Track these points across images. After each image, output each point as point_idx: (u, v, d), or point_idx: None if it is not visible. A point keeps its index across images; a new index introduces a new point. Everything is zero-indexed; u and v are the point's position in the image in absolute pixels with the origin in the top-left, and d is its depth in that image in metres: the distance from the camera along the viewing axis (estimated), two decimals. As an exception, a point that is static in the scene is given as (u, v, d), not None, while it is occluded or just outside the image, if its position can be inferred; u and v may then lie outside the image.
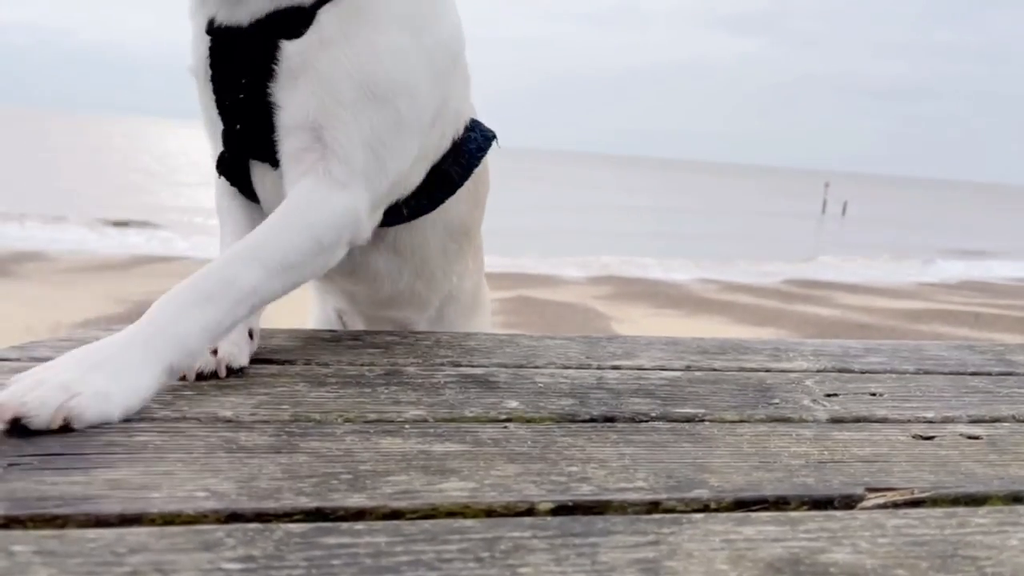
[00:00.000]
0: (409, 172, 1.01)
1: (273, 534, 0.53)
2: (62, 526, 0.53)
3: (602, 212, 24.53)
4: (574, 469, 0.67)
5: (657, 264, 12.57)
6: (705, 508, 0.61)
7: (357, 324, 1.27)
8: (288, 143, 0.92)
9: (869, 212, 33.49)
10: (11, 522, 0.53)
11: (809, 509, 0.62)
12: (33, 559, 0.48)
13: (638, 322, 7.45)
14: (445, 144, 1.07)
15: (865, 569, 0.53)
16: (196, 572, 0.48)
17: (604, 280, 10.40)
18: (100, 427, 0.70)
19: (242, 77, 0.92)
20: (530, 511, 0.59)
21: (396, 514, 0.57)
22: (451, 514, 0.58)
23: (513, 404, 0.83)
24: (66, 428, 0.68)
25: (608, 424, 0.79)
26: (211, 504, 0.56)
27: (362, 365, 0.95)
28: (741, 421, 0.83)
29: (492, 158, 1.17)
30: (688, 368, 1.02)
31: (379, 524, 0.55)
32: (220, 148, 1.00)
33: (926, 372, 1.07)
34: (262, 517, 0.55)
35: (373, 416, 0.77)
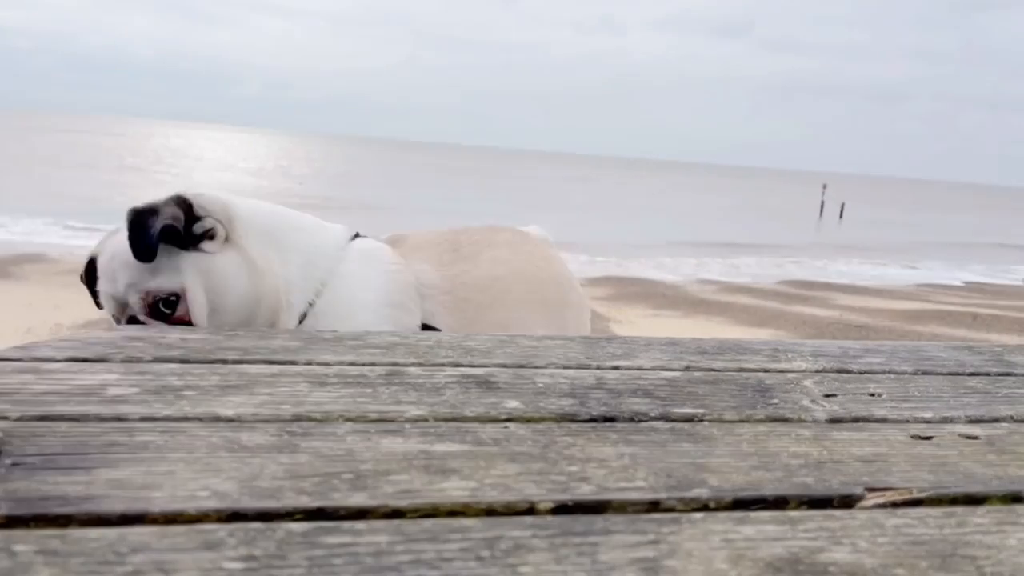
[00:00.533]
0: None
1: (275, 533, 0.53)
2: (64, 526, 0.53)
3: (601, 213, 24.54)
4: (574, 469, 0.67)
5: (656, 265, 12.57)
6: (705, 508, 0.62)
7: None
8: None
9: (866, 213, 33.50)
10: (13, 522, 0.53)
11: (808, 509, 0.63)
12: (35, 559, 0.48)
13: (637, 323, 7.45)
14: None
15: (864, 569, 0.53)
16: (198, 571, 0.48)
17: (603, 281, 10.39)
18: (102, 427, 0.70)
19: None
20: (530, 510, 0.59)
21: (397, 513, 0.57)
22: (452, 513, 0.58)
23: (513, 404, 0.84)
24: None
25: (608, 424, 0.79)
26: (213, 503, 0.57)
27: (363, 365, 0.95)
28: (740, 421, 0.83)
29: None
30: (687, 368, 1.02)
31: (380, 523, 0.55)
32: None
33: (924, 372, 1.07)
34: (264, 516, 0.56)
35: (374, 416, 0.78)
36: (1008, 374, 1.09)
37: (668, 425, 0.80)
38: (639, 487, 0.64)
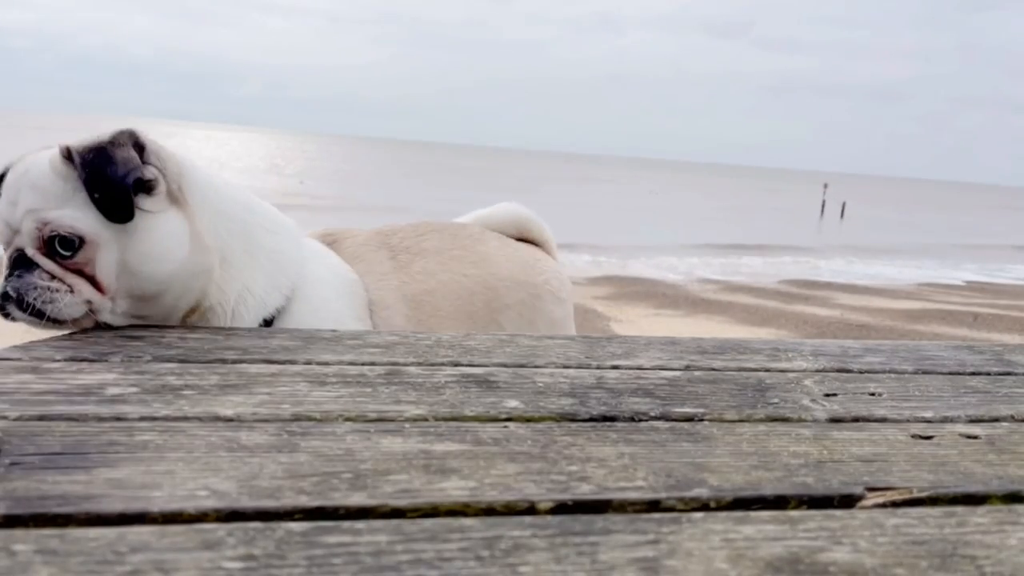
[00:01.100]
0: None
1: (274, 533, 0.53)
2: (63, 525, 0.53)
3: (601, 212, 24.53)
4: (574, 468, 0.67)
5: (656, 264, 12.57)
6: (705, 507, 0.62)
7: None
8: None
9: (867, 213, 33.50)
10: (12, 521, 0.53)
11: (808, 508, 0.63)
12: (34, 558, 0.48)
13: (637, 322, 7.45)
14: None
15: (864, 568, 0.53)
16: (197, 571, 0.48)
17: (603, 280, 10.39)
18: (101, 426, 0.70)
19: None
20: (530, 510, 0.59)
21: (397, 513, 0.57)
22: (451, 513, 0.58)
23: (513, 403, 0.84)
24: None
25: (608, 424, 0.79)
26: (212, 503, 0.56)
27: (363, 365, 0.95)
28: (740, 421, 0.83)
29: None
30: (687, 368, 1.02)
31: (380, 523, 0.55)
32: None
33: (925, 372, 1.07)
34: (263, 516, 0.56)
35: (374, 415, 0.78)
36: (1008, 373, 1.09)
37: (668, 425, 0.80)
38: (639, 487, 0.64)
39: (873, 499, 0.65)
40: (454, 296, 1.35)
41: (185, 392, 0.81)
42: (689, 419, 0.82)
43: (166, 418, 0.74)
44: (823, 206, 31.21)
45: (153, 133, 1.12)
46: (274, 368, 0.92)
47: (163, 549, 0.50)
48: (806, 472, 0.69)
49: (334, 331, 1.14)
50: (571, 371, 0.98)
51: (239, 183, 1.26)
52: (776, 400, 0.90)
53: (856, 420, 0.85)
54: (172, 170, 1.09)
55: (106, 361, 0.91)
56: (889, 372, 1.06)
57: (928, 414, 0.88)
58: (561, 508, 0.60)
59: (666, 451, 0.72)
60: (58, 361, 0.90)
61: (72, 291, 1.02)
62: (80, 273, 1.03)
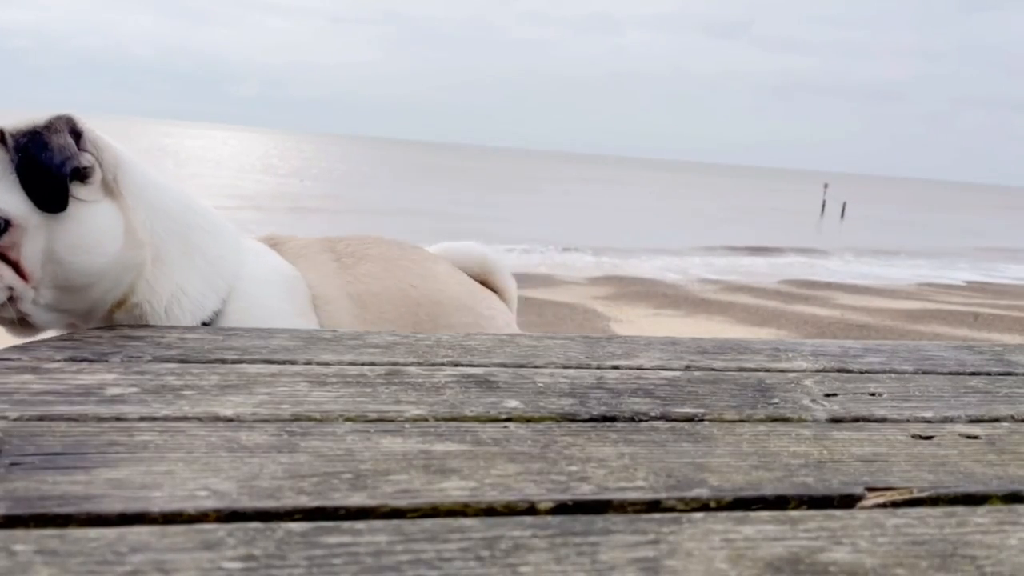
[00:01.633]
0: None
1: (274, 533, 0.53)
2: (63, 525, 0.53)
3: (601, 212, 24.54)
4: (574, 468, 0.67)
5: (657, 264, 12.58)
6: (705, 507, 0.62)
7: None
8: None
9: (868, 213, 33.50)
10: (12, 521, 0.53)
11: (809, 508, 0.63)
12: (34, 558, 0.48)
13: (637, 322, 7.46)
14: None
15: (865, 568, 0.53)
16: (197, 571, 0.48)
17: (603, 280, 10.40)
18: (101, 426, 0.70)
19: None
20: (530, 510, 0.59)
21: (397, 513, 0.57)
22: (451, 513, 0.58)
23: (513, 404, 0.83)
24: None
25: (608, 424, 0.79)
26: (212, 503, 0.56)
27: (363, 365, 0.95)
28: (740, 421, 0.83)
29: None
30: (687, 368, 1.02)
31: (380, 523, 0.55)
32: None
33: (925, 372, 1.07)
34: (263, 516, 0.56)
35: (374, 415, 0.78)
36: (1009, 374, 1.09)
37: (668, 425, 0.80)
38: (639, 487, 0.64)
39: (873, 499, 0.65)
40: (399, 302, 1.30)
41: (185, 392, 0.81)
42: (689, 419, 0.82)
43: (166, 418, 0.74)
44: (823, 206, 31.22)
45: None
46: (274, 368, 0.92)
47: (163, 549, 0.50)
48: (806, 472, 0.69)
49: (334, 331, 1.14)
50: (571, 371, 0.97)
51: (178, 183, 1.23)
52: (776, 400, 0.90)
53: (856, 420, 0.85)
54: (108, 160, 1.06)
55: (106, 361, 0.91)
56: (889, 372, 1.06)
57: (928, 414, 0.88)
58: (561, 508, 0.60)
59: (666, 451, 0.72)
60: (58, 361, 0.90)
61: None
62: (2, 258, 0.99)
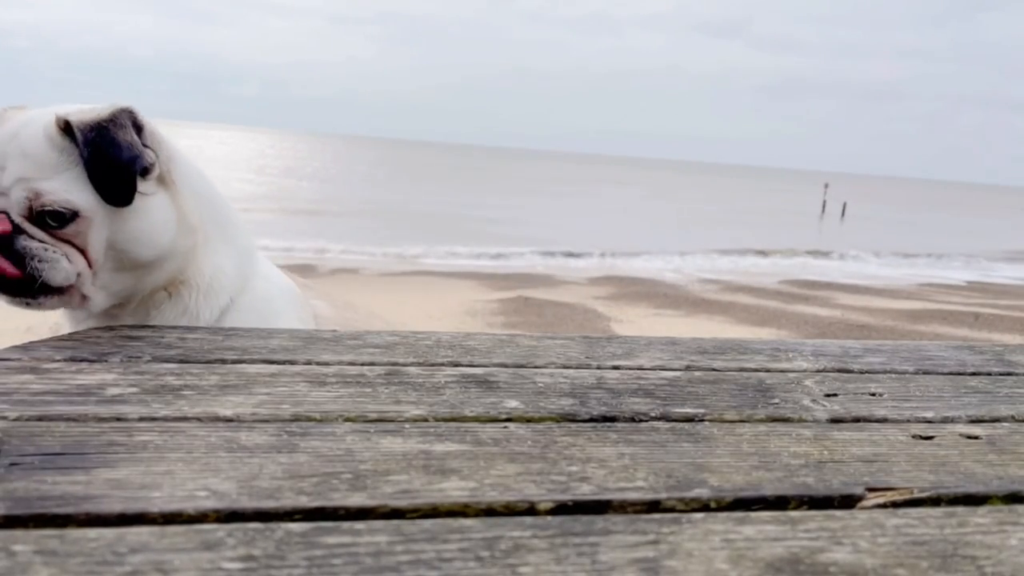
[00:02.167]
0: None
1: (274, 533, 0.53)
2: (63, 526, 0.53)
3: (601, 211, 24.54)
4: (574, 469, 0.67)
5: (657, 264, 12.58)
6: (705, 508, 0.62)
7: None
8: None
9: (868, 213, 33.51)
10: (12, 522, 0.53)
11: (809, 509, 0.63)
12: (34, 559, 0.48)
13: (638, 322, 7.45)
14: None
15: (865, 569, 0.53)
16: (197, 572, 0.48)
17: (604, 280, 10.40)
18: (100, 427, 0.70)
19: None
20: (530, 511, 0.59)
21: (396, 513, 0.57)
22: (451, 513, 0.58)
23: (513, 404, 0.83)
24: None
25: (608, 424, 0.79)
26: (211, 503, 0.56)
27: (363, 365, 0.95)
28: (741, 421, 0.83)
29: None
30: (688, 368, 1.02)
31: (379, 523, 0.55)
32: None
33: (925, 372, 1.07)
34: (263, 516, 0.56)
35: (373, 416, 0.77)
36: (1009, 374, 1.09)
37: (668, 425, 0.80)
38: (639, 487, 0.64)
39: (874, 499, 0.64)
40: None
41: (185, 392, 0.81)
42: (689, 419, 0.82)
43: (166, 418, 0.74)
44: (824, 206, 31.23)
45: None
46: (274, 368, 0.92)
47: (163, 550, 0.50)
48: (806, 472, 0.69)
49: (334, 331, 1.14)
50: (571, 371, 0.97)
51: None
52: (777, 400, 0.90)
53: (857, 420, 0.85)
54: (164, 154, 1.10)
55: (105, 361, 0.91)
56: (890, 372, 1.06)
57: (929, 414, 0.88)
58: (561, 508, 0.60)
59: (666, 451, 0.72)
60: (57, 361, 0.90)
61: (68, 259, 1.02)
62: (69, 244, 1.02)
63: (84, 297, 1.06)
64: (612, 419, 0.81)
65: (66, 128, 1.01)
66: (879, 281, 12.23)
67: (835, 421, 0.85)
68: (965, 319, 8.55)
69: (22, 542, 0.50)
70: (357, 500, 0.58)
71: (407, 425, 0.75)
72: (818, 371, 1.05)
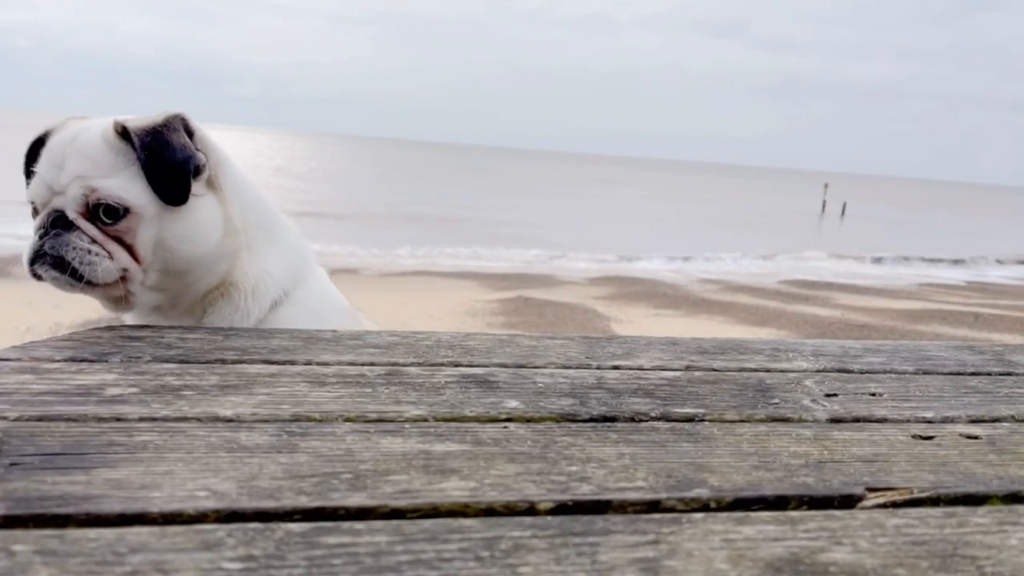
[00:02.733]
0: None
1: (274, 534, 0.53)
2: (63, 526, 0.53)
3: (600, 212, 24.54)
4: (574, 469, 0.67)
5: (657, 264, 12.58)
6: (705, 508, 0.62)
7: None
8: None
9: (868, 212, 33.52)
10: (11, 522, 0.53)
11: (809, 509, 0.63)
12: (34, 559, 0.48)
13: (638, 322, 7.45)
14: None
15: (865, 568, 0.53)
16: (196, 572, 0.48)
17: (604, 280, 10.40)
18: (100, 427, 0.70)
19: None
20: (530, 511, 0.59)
21: (396, 513, 0.57)
22: (451, 513, 0.58)
23: (513, 404, 0.83)
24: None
25: (608, 424, 0.79)
26: (211, 503, 0.56)
27: (363, 365, 0.95)
28: (741, 421, 0.83)
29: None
30: (688, 368, 1.02)
31: (379, 523, 0.55)
32: None
33: (925, 372, 1.07)
34: (263, 516, 0.56)
35: (373, 416, 0.77)
36: (1009, 374, 1.09)
37: (668, 425, 0.80)
38: (639, 487, 0.64)
39: (873, 499, 0.64)
40: None
41: (185, 392, 0.81)
42: (689, 419, 0.82)
43: (165, 418, 0.74)
44: (824, 206, 31.23)
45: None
46: (274, 368, 0.92)
47: (163, 550, 0.50)
48: (806, 472, 0.69)
49: (334, 331, 1.14)
50: (571, 371, 0.97)
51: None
52: (776, 400, 0.90)
53: (856, 420, 0.85)
54: (213, 158, 1.15)
55: (105, 362, 0.91)
56: (890, 372, 1.06)
57: (929, 414, 0.88)
58: (561, 508, 0.60)
59: (666, 451, 0.72)
60: (57, 361, 0.90)
61: (111, 257, 1.06)
62: (119, 241, 1.07)
63: (129, 292, 1.10)
64: (612, 419, 0.81)
65: (123, 133, 1.07)
66: (879, 281, 12.23)
67: (835, 421, 0.85)
68: (965, 319, 8.55)
69: (22, 542, 0.50)
70: (357, 500, 0.58)
71: (407, 425, 0.75)
72: (818, 371, 1.05)
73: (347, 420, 0.76)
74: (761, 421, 0.83)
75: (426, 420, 0.77)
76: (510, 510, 0.59)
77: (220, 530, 0.53)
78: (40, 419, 0.72)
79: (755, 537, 0.56)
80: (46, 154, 1.09)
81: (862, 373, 1.05)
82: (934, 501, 0.65)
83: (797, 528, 0.58)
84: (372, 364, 0.96)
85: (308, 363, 0.95)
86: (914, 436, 0.80)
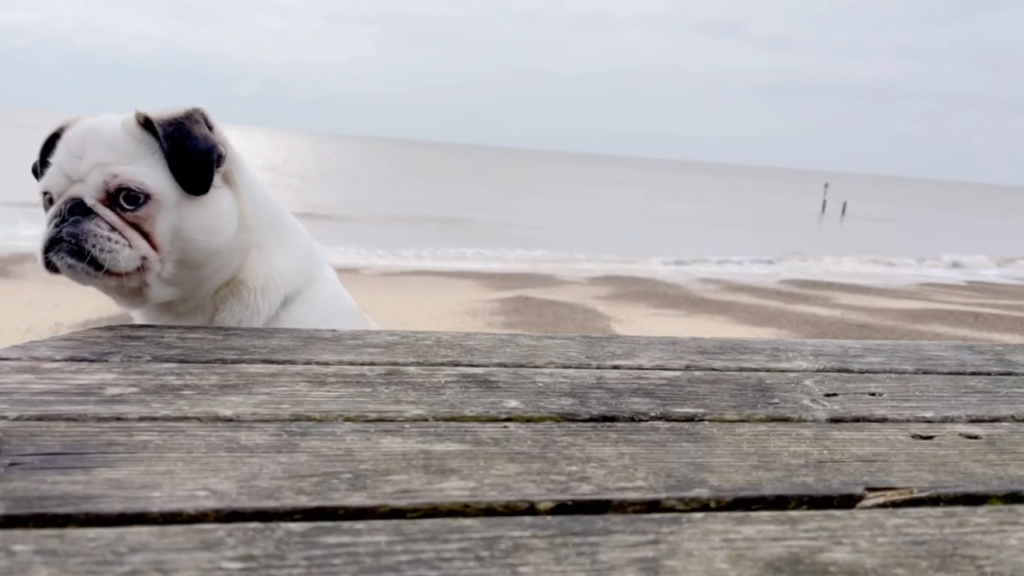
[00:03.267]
0: None
1: (274, 533, 0.53)
2: (63, 525, 0.53)
3: (600, 212, 24.54)
4: (574, 468, 0.67)
5: (657, 264, 12.58)
6: (705, 507, 0.62)
7: None
8: None
9: (868, 212, 33.51)
10: (11, 521, 0.53)
11: (809, 508, 0.63)
12: (34, 558, 0.48)
13: (638, 322, 7.45)
14: None
15: (864, 568, 0.53)
16: (196, 571, 0.48)
17: (604, 280, 10.39)
18: (100, 426, 0.70)
19: None
20: (530, 510, 0.59)
21: (396, 513, 0.57)
22: (451, 513, 0.58)
23: (513, 404, 0.83)
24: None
25: (608, 424, 0.79)
26: (211, 503, 0.56)
27: (362, 364, 0.95)
28: (741, 421, 0.83)
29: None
30: (688, 368, 1.02)
31: (379, 523, 0.55)
32: None
33: (925, 372, 1.07)
34: (262, 516, 0.56)
35: (373, 415, 0.78)
36: (1009, 373, 1.09)
37: (668, 425, 0.80)
38: (639, 487, 0.64)
39: (873, 499, 0.64)
40: None
41: (184, 392, 0.81)
42: (689, 419, 0.82)
43: (165, 418, 0.74)
44: (824, 205, 31.23)
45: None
46: (274, 368, 0.92)
47: (163, 549, 0.50)
48: (806, 472, 0.69)
49: (334, 331, 1.14)
50: (571, 371, 0.97)
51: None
52: (776, 400, 0.90)
53: (856, 420, 0.85)
54: (228, 152, 1.16)
55: (105, 361, 0.91)
56: (889, 372, 1.06)
57: (928, 414, 0.88)
58: (561, 508, 0.60)
59: (666, 451, 0.72)
60: (57, 361, 0.90)
61: (130, 245, 1.06)
62: (137, 229, 1.07)
63: (145, 284, 1.10)
64: (612, 419, 0.81)
65: (145, 123, 1.09)
66: (879, 280, 12.23)
67: (835, 421, 0.85)
68: (965, 319, 8.55)
69: (22, 542, 0.50)
70: (357, 500, 0.58)
71: (407, 425, 0.75)
72: (818, 371, 1.05)
73: (347, 420, 0.76)
74: (761, 421, 0.83)
75: (426, 420, 0.77)
76: (510, 510, 0.59)
77: (220, 530, 0.53)
78: (40, 419, 0.72)
79: (755, 537, 0.56)
80: (63, 144, 1.09)
81: (862, 373, 1.05)
82: (934, 501, 0.65)
83: (797, 528, 0.58)
84: (372, 364, 0.96)
85: (308, 363, 0.95)
86: (914, 436, 0.80)
